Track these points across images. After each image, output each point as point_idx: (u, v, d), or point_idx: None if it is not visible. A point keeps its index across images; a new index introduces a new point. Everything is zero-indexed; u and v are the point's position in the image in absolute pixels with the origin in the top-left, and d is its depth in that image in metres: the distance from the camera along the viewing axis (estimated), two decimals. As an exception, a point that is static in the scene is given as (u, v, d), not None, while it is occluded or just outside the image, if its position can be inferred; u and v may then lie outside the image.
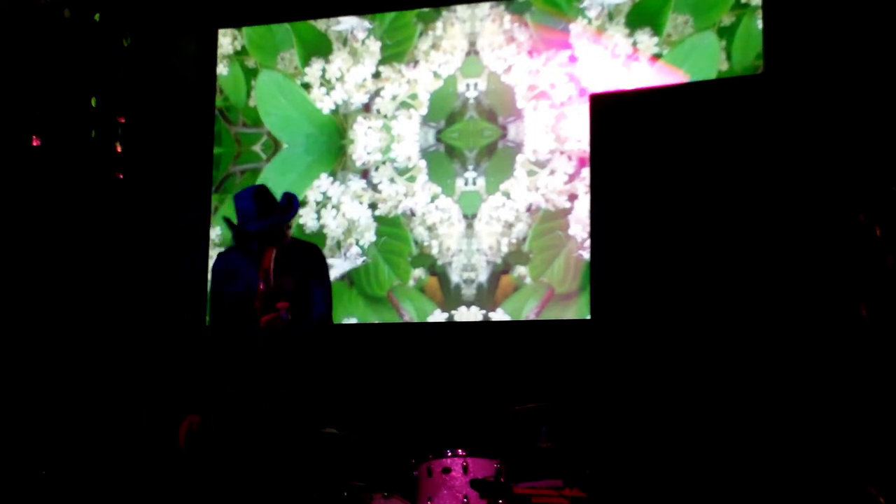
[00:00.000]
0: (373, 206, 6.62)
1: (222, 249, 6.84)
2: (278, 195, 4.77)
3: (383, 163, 6.63)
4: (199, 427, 4.44)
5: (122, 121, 6.70)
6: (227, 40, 7.06)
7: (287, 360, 4.50)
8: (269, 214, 4.54)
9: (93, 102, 6.49)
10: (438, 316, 6.43)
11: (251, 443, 4.41)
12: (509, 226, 6.37)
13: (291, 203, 4.66)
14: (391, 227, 6.58)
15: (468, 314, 6.38)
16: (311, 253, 4.74)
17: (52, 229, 6.37)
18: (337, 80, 6.78)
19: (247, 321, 4.42)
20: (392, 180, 6.61)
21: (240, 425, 4.43)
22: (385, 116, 6.66)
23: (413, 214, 6.55)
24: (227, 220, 4.68)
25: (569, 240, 6.25)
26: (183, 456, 4.53)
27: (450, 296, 6.42)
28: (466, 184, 6.49)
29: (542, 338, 6.15)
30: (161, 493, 5.67)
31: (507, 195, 6.39)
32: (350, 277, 6.63)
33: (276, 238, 4.53)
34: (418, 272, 6.50)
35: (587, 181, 5.88)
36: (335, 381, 6.32)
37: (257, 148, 6.94)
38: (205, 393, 4.52)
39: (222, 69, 7.05)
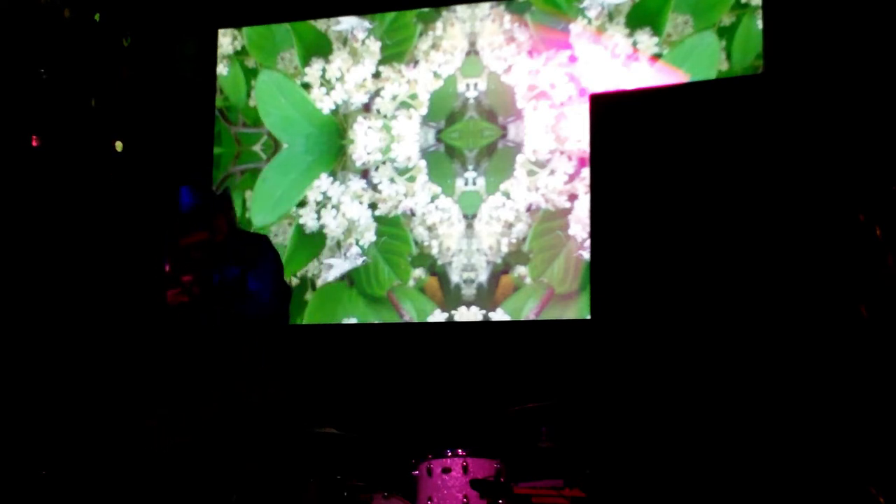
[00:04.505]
0: (373, 206, 6.62)
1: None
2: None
3: (383, 163, 6.63)
4: (158, 428, 4.50)
5: (122, 121, 6.70)
6: (227, 40, 7.06)
7: (229, 350, 4.53)
8: (199, 199, 4.62)
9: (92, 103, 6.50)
10: (438, 316, 6.43)
11: (253, 440, 4.42)
12: (509, 226, 6.37)
13: (223, 194, 4.76)
14: (391, 227, 6.58)
15: (468, 314, 6.38)
16: (251, 245, 4.75)
17: (51, 229, 6.37)
18: (337, 80, 6.78)
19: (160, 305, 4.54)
20: (392, 180, 6.61)
21: (245, 421, 4.44)
22: (385, 116, 6.66)
23: (413, 214, 6.54)
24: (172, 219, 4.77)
25: (569, 240, 6.25)
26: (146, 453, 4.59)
27: (450, 296, 6.42)
28: (466, 184, 6.49)
29: (542, 338, 6.15)
30: (162, 493, 5.67)
31: (507, 195, 6.39)
32: (350, 277, 6.63)
33: (204, 226, 4.57)
34: (418, 272, 6.50)
35: (587, 181, 5.88)
36: (335, 381, 6.33)
37: (257, 148, 6.94)
38: (212, 389, 4.55)
39: (222, 69, 7.05)
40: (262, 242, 4.78)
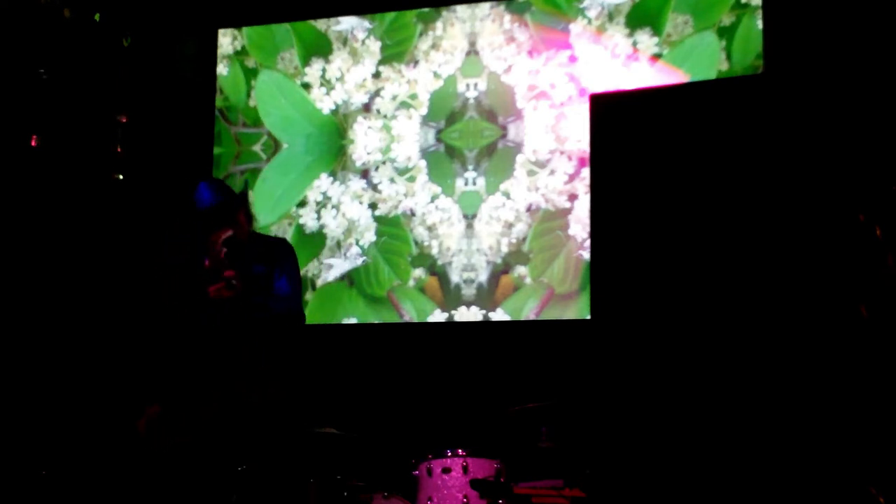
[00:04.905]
0: (373, 206, 6.62)
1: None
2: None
3: (383, 163, 6.63)
4: (159, 416, 4.50)
5: (123, 120, 6.70)
6: (227, 40, 7.06)
7: (252, 345, 4.54)
8: (220, 196, 4.63)
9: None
10: (438, 316, 6.43)
11: (253, 440, 4.43)
12: (509, 226, 6.37)
13: (242, 188, 4.79)
14: (391, 227, 6.58)
15: (468, 314, 6.38)
16: (277, 246, 4.83)
17: (52, 229, 6.37)
18: (337, 80, 6.78)
19: (194, 303, 4.54)
20: (392, 180, 6.61)
21: (245, 420, 4.45)
22: (385, 116, 6.66)
23: (413, 214, 6.54)
24: (183, 213, 4.78)
25: (569, 240, 6.25)
26: (142, 443, 4.59)
27: (450, 296, 6.42)
28: (466, 184, 6.49)
29: (542, 338, 6.15)
30: (162, 492, 5.67)
31: (507, 195, 6.39)
32: (350, 277, 6.63)
33: (229, 222, 4.60)
34: (418, 272, 6.50)
35: (587, 181, 5.87)
36: (335, 381, 6.33)
37: (257, 148, 6.94)
38: (212, 388, 4.55)
39: (222, 69, 7.05)
40: (284, 244, 4.91)
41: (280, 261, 4.70)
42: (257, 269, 4.62)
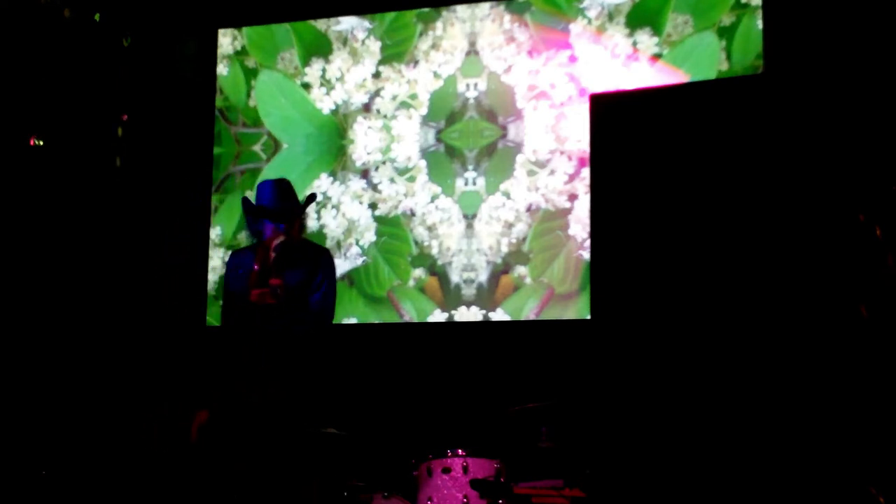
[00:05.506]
0: (373, 206, 6.62)
1: (224, 249, 6.85)
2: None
3: (383, 163, 6.63)
4: (209, 421, 4.49)
5: (124, 118, 6.71)
6: (227, 40, 7.06)
7: (286, 354, 4.54)
8: (285, 200, 4.60)
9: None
10: (438, 316, 6.43)
11: (253, 440, 4.43)
12: (509, 226, 6.36)
13: (309, 199, 4.74)
14: (391, 227, 6.58)
15: (468, 314, 6.38)
16: (319, 253, 4.81)
17: (52, 229, 6.37)
18: (337, 80, 6.78)
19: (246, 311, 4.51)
20: (392, 180, 6.61)
21: (245, 420, 4.45)
22: (385, 116, 6.66)
23: (413, 214, 6.54)
24: (245, 199, 4.73)
25: (569, 240, 6.25)
26: (194, 450, 4.57)
27: (450, 296, 6.42)
28: (466, 184, 6.49)
29: (542, 338, 6.15)
30: (162, 492, 5.67)
31: (507, 195, 6.39)
32: (350, 277, 6.63)
33: (284, 223, 4.59)
34: (418, 272, 6.50)
35: (587, 181, 5.87)
36: (335, 381, 6.33)
37: (257, 148, 6.94)
38: (212, 388, 4.54)
39: (222, 69, 7.05)
40: (326, 253, 4.86)
41: (321, 270, 4.70)
42: (295, 277, 4.59)
